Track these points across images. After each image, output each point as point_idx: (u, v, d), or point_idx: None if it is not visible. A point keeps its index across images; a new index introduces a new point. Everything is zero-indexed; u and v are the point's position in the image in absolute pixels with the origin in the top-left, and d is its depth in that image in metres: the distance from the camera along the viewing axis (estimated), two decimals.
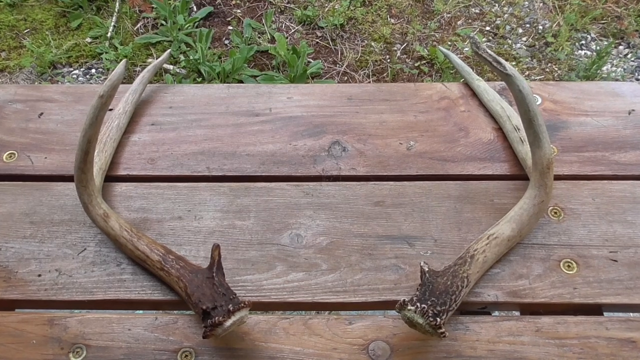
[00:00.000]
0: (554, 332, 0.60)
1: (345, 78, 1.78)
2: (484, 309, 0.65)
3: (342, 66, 1.80)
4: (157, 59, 0.77)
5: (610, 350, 0.58)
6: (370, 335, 0.60)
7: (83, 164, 0.60)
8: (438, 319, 0.54)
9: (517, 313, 0.65)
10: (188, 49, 1.81)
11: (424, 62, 1.80)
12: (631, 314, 0.67)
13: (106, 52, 1.80)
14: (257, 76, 1.74)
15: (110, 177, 0.72)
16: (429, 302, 0.55)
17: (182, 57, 1.78)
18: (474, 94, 0.81)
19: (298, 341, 0.59)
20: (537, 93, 0.82)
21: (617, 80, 1.76)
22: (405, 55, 1.84)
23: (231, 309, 0.54)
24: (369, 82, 1.77)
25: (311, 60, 1.81)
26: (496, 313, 0.70)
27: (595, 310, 0.63)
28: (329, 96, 0.82)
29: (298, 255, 0.66)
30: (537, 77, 1.77)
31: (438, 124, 0.78)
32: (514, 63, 1.81)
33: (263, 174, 0.73)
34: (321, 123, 0.78)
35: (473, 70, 0.82)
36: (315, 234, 0.67)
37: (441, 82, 0.85)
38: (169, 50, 0.91)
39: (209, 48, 1.82)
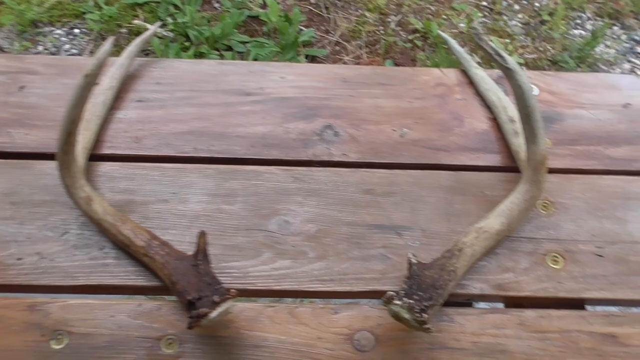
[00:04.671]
0: (537, 325, 0.61)
1: (337, 48, 1.74)
2: (469, 301, 0.66)
3: (334, 36, 1.75)
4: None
5: (592, 345, 0.59)
6: (355, 325, 0.60)
7: (66, 145, 0.57)
8: (424, 315, 0.54)
9: (501, 305, 0.65)
10: (176, 11, 1.75)
11: (418, 35, 1.77)
12: (613, 308, 0.68)
13: (90, 12, 1.73)
14: (247, 42, 1.69)
15: (95, 156, 0.70)
16: (415, 296, 0.55)
17: (169, 20, 1.72)
18: (472, 82, 0.79)
19: (283, 330, 0.59)
20: (535, 83, 0.80)
21: (611, 66, 1.75)
22: (399, 28, 1.79)
23: (216, 300, 0.53)
24: (362, 53, 1.73)
25: (303, 28, 1.76)
26: (482, 305, 0.71)
27: (578, 304, 0.63)
28: (324, 77, 0.79)
29: (285, 242, 0.65)
30: (531, 56, 1.74)
31: (433, 111, 0.77)
32: (508, 40, 1.78)
33: (253, 157, 0.72)
34: (314, 105, 0.76)
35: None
36: (303, 220, 0.66)
37: (438, 67, 0.83)
38: (157, 23, 0.87)
39: (198, 11, 1.76)
